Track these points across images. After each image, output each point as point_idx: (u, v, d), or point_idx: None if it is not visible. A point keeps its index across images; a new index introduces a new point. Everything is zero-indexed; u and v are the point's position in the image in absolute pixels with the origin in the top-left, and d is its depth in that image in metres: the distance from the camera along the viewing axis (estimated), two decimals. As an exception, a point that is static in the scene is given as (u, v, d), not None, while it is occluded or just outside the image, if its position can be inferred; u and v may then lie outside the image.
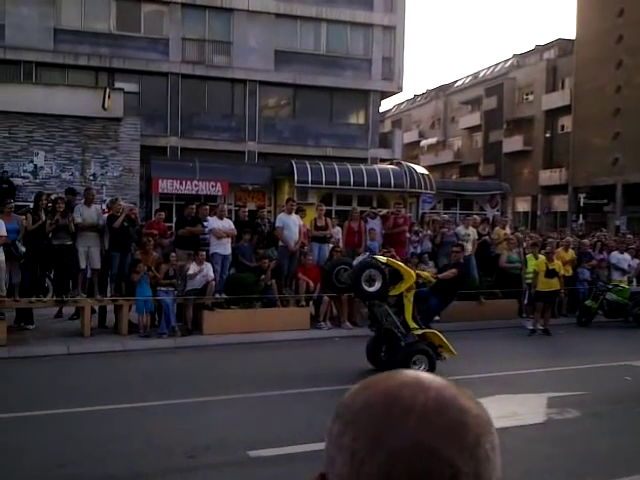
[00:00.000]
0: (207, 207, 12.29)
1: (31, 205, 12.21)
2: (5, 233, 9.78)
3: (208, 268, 10.88)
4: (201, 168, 23.50)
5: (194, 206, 11.99)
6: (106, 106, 21.04)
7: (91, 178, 21.08)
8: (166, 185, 22.83)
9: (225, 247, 11.54)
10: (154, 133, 25.28)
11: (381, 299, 8.14)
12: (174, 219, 14.64)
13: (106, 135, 21.66)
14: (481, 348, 10.30)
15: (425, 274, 8.98)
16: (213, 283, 10.82)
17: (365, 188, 24.11)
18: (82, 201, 11.19)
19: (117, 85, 24.05)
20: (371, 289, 7.98)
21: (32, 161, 20.90)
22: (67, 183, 19.90)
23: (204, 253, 10.93)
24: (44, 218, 10.46)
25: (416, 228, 13.63)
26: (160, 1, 26.50)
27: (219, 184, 23.41)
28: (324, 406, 7.04)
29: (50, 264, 10.49)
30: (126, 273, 10.82)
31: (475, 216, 15.72)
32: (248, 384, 7.86)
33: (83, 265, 10.65)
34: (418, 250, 13.10)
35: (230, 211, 15.25)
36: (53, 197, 11.90)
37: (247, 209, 14.16)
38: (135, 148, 22.13)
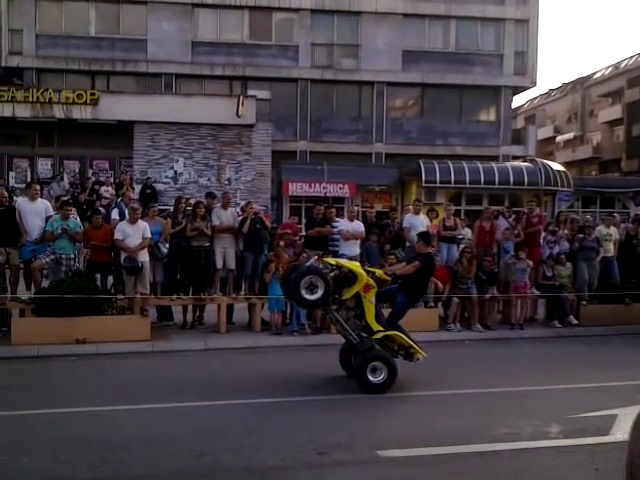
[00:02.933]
0: (334, 209, 12.46)
1: (171, 209, 12.98)
2: (150, 235, 10.45)
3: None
4: (329, 170, 23.88)
5: (322, 207, 12.18)
6: (240, 113, 21.95)
7: (226, 183, 22.08)
8: (296, 188, 23.41)
9: (352, 248, 11.62)
10: (284, 138, 26.01)
11: (324, 305, 7.61)
12: (303, 221, 14.96)
13: (240, 141, 22.59)
14: (629, 354, 9.66)
15: (378, 271, 8.02)
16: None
17: (496, 187, 23.40)
18: (219, 205, 11.70)
19: (250, 92, 25.01)
20: (312, 297, 7.30)
21: (172, 167, 22.25)
22: (204, 188, 20.99)
23: (329, 254, 11.06)
24: (183, 221, 11.07)
25: (552, 228, 13.00)
26: (290, 9, 27.23)
27: (346, 186, 23.67)
28: (452, 409, 6.92)
29: (189, 264, 11.04)
30: (259, 273, 11.20)
31: (615, 214, 14.75)
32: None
33: (220, 265, 11.14)
34: (555, 251, 12.48)
35: (357, 212, 15.32)
36: (192, 201, 12.58)
37: (375, 210, 14.19)
38: (267, 153, 22.90)
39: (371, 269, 7.96)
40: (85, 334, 9.53)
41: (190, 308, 11.37)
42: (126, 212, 11.21)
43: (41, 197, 11.46)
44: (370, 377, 7.35)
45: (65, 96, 21.66)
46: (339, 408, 6.95)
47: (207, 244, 11.11)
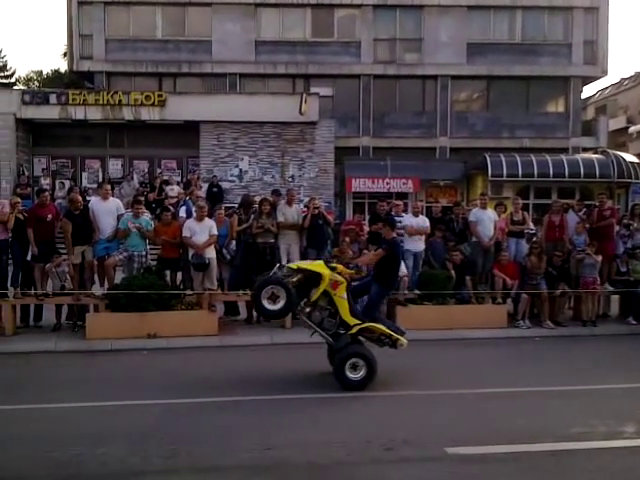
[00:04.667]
0: (400, 203, 12.37)
1: (237, 206, 13.17)
2: (216, 232, 10.64)
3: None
4: (392, 166, 23.74)
5: (385, 203, 12.11)
6: (303, 111, 22.06)
7: (290, 180, 22.25)
8: (359, 184, 23.39)
9: (417, 244, 11.52)
10: (347, 134, 25.99)
11: (288, 313, 7.50)
12: (367, 216, 14.91)
13: (303, 138, 22.71)
14: None
15: (340, 267, 7.74)
16: (405, 279, 10.84)
17: (566, 179, 22.74)
18: (284, 201, 11.80)
19: (312, 90, 25.09)
20: (275, 307, 7.23)
21: (237, 166, 22.59)
22: (269, 185, 21.21)
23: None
24: (250, 219, 11.23)
25: (626, 221, 12.50)
26: (352, 5, 27.18)
27: (410, 181, 23.48)
28: (521, 407, 6.75)
29: (255, 261, 11.16)
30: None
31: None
32: (443, 381, 7.75)
33: (284, 261, 11.22)
34: (629, 245, 12.02)
35: (422, 208, 15.15)
36: (257, 199, 12.75)
37: (440, 205, 14.02)
38: (330, 149, 22.94)
39: (333, 265, 7.72)
40: (156, 329, 9.80)
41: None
42: (193, 210, 11.47)
43: (112, 196, 11.84)
44: (349, 374, 7.30)
45: (134, 98, 22.28)
46: (406, 404, 6.90)
47: (272, 240, 11.24)
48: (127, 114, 22.32)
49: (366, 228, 11.99)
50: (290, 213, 11.47)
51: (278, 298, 7.20)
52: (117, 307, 9.96)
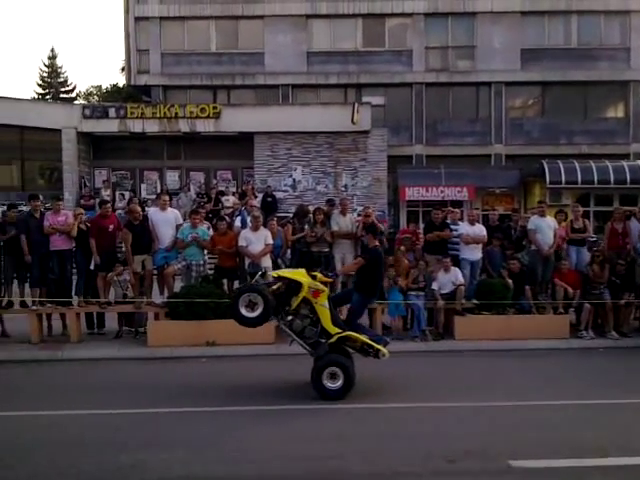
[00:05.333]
0: (457, 211, 12.24)
1: (291, 216, 13.27)
2: (271, 241, 10.75)
3: (457, 273, 10.81)
4: (446, 174, 23.53)
5: (440, 211, 11.99)
6: (355, 120, 22.10)
7: (343, 189, 22.30)
8: (412, 192, 23.24)
9: (474, 252, 11.36)
10: (399, 143, 25.90)
11: (266, 321, 7.50)
12: (421, 225, 14.80)
13: (356, 148, 22.75)
14: None
15: (319, 275, 7.61)
16: (462, 288, 10.71)
17: (628, 186, 22.06)
18: (338, 211, 11.83)
19: (364, 99, 25.13)
20: (253, 314, 7.25)
21: (291, 175, 22.77)
22: (322, 195, 21.32)
23: (448, 259, 10.87)
24: (305, 228, 11.29)
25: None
26: (403, 14, 27.15)
27: (465, 189, 23.21)
28: (587, 420, 6.55)
29: (309, 269, 11.19)
30: (378, 278, 11.19)
31: None
32: (503, 392, 7.61)
33: (339, 270, 11.24)
34: (697, 253, 11.56)
35: (478, 216, 14.94)
36: (311, 208, 12.80)
37: (497, 213, 13.79)
38: (382, 158, 22.90)
39: (314, 273, 7.65)
40: (214, 337, 9.93)
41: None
42: (248, 220, 11.61)
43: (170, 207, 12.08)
44: (327, 383, 7.23)
45: (189, 111, 22.75)
46: (469, 415, 6.79)
47: (326, 250, 11.26)
48: (183, 126, 22.80)
49: (422, 237, 11.89)
50: (344, 222, 11.48)
51: (256, 305, 7.22)
52: (176, 315, 10.14)
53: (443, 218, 11.76)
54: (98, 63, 75.71)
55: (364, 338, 7.47)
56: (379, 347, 7.47)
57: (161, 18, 27.75)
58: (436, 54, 27.39)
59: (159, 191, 21.06)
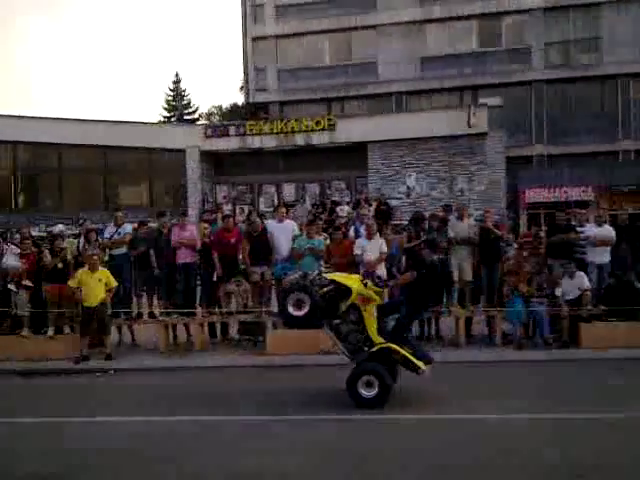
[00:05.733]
0: (585, 212, 11.62)
1: (406, 223, 13.15)
2: (386, 249, 10.72)
3: (582, 278, 10.27)
4: (569, 173, 22.44)
5: (564, 213, 11.45)
6: (471, 123, 21.59)
7: (459, 194, 21.81)
8: (533, 194, 22.37)
9: (602, 255, 10.75)
10: (518, 143, 25.01)
11: (312, 321, 7.44)
12: (543, 228, 14.18)
13: (472, 151, 22.20)
14: None
15: (370, 284, 7.45)
16: (589, 294, 10.14)
17: None
18: (455, 216, 11.60)
19: (480, 101, 24.51)
20: (299, 313, 7.22)
21: (405, 183, 22.58)
22: (437, 201, 20.98)
23: (572, 265, 10.33)
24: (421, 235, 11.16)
25: None
26: (521, 10, 26.30)
27: (590, 188, 22.01)
28: None
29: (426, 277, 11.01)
30: (496, 284, 10.86)
31: None
32: (635, 403, 7.12)
33: (456, 277, 11.02)
34: None
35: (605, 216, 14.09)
36: (426, 215, 12.64)
37: (627, 212, 12.95)
38: (500, 160, 22.20)
39: (365, 281, 7.55)
40: (327, 344, 9.99)
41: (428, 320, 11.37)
42: (361, 229, 11.65)
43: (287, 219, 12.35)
44: (362, 391, 7.17)
45: (305, 124, 23.22)
46: (594, 427, 6.41)
47: (443, 256, 11.04)
48: (299, 140, 23.30)
49: (544, 240, 11.39)
50: (462, 228, 11.22)
51: (303, 305, 7.23)
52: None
53: (567, 220, 11.23)
54: (218, 84, 79.28)
55: (404, 352, 7.34)
56: (417, 363, 7.33)
57: (277, 36, 28.64)
58: (556, 49, 26.28)
59: (276, 204, 21.63)
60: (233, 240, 11.23)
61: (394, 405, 7.29)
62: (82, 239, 11.74)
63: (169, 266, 11.22)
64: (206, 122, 40.32)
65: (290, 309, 7.34)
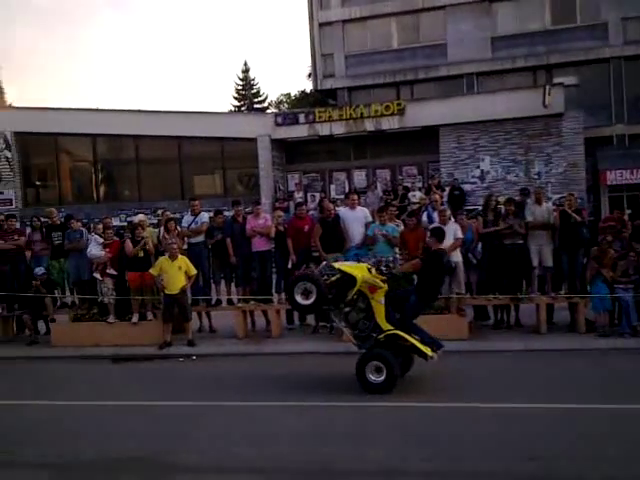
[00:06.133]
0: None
1: (480, 208, 12.92)
2: (461, 235, 10.56)
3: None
4: (654, 153, 21.44)
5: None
6: (547, 103, 20.90)
7: (535, 177, 21.20)
8: (615, 176, 21.52)
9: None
10: (597, 123, 24.04)
11: (318, 309, 7.91)
12: (627, 211, 13.65)
13: (548, 132, 21.50)
14: None
15: (374, 272, 7.73)
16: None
17: None
18: (532, 200, 11.31)
19: (556, 80, 23.70)
20: (306, 301, 7.57)
21: (479, 166, 22.12)
22: (512, 184, 20.48)
23: None
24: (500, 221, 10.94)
25: None
26: (597, -16, 25.21)
27: (678, 168, 20.98)
28: None
29: (503, 263, 10.82)
30: (579, 270, 10.54)
31: None
32: None
33: (535, 263, 10.76)
34: None
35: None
36: (501, 199, 12.37)
37: None
38: (579, 142, 21.41)
39: (370, 267, 7.85)
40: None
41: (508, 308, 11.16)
42: (434, 215, 11.52)
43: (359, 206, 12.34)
44: (371, 376, 7.41)
45: (374, 109, 23.03)
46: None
47: (520, 242, 10.81)
48: (368, 126, 23.16)
49: (629, 224, 10.96)
50: (540, 212, 10.93)
51: (310, 294, 7.52)
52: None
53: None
54: (286, 72, 79.73)
55: (412, 339, 7.53)
56: (424, 350, 7.50)
57: (343, 21, 28.50)
58: (635, 24, 25.03)
59: (347, 191, 21.63)
60: (306, 228, 11.32)
61: (474, 393, 7.22)
62: (162, 228, 12.07)
63: (245, 254, 11.43)
64: (276, 110, 40.60)
65: (298, 297, 7.66)
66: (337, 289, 7.70)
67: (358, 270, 7.71)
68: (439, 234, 8.49)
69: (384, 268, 8.15)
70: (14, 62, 62.96)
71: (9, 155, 25.61)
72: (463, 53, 26.37)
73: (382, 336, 7.56)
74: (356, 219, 11.29)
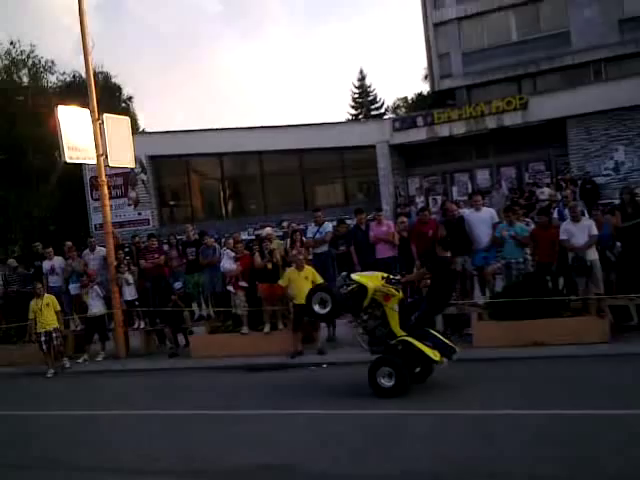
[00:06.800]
0: None
1: (616, 202, 12.16)
2: (596, 232, 9.97)
3: None
4: None
5: None
6: (686, 84, 19.35)
7: (678, 165, 19.68)
8: None
9: None
10: None
11: (334, 318, 9.10)
12: None
13: (689, 117, 19.91)
14: None
15: (384, 281, 8.07)
16: None
17: None
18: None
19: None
20: (323, 311, 8.09)
21: (612, 157, 20.86)
22: (651, 174, 19.14)
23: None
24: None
25: None
26: None
27: None
28: None
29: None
30: None
31: None
32: None
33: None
34: None
35: None
36: (639, 190, 11.60)
37: None
38: None
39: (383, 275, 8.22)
40: (540, 336, 9.57)
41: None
42: (565, 212, 10.99)
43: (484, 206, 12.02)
44: (382, 381, 7.76)
45: (495, 106, 22.39)
46: None
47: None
48: (490, 123, 22.54)
49: None
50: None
51: (327, 303, 8.03)
52: (499, 315, 10.03)
53: None
54: (402, 76, 79.35)
55: (420, 345, 7.76)
56: (432, 356, 7.73)
57: (458, 19, 28.00)
58: None
59: (470, 191, 21.16)
60: (430, 232, 11.17)
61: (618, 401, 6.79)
62: (288, 240, 12.39)
63: (369, 262, 11.46)
64: (393, 115, 40.53)
65: (316, 307, 8.16)
66: (354, 299, 8.11)
67: (370, 280, 8.12)
68: (444, 243, 8.76)
69: (393, 278, 8.34)
70: (142, 89, 67.75)
71: (144, 178, 27.39)
72: (588, 39, 25.07)
73: (394, 342, 7.92)
74: (482, 220, 11.01)
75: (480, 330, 10.22)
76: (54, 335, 12.18)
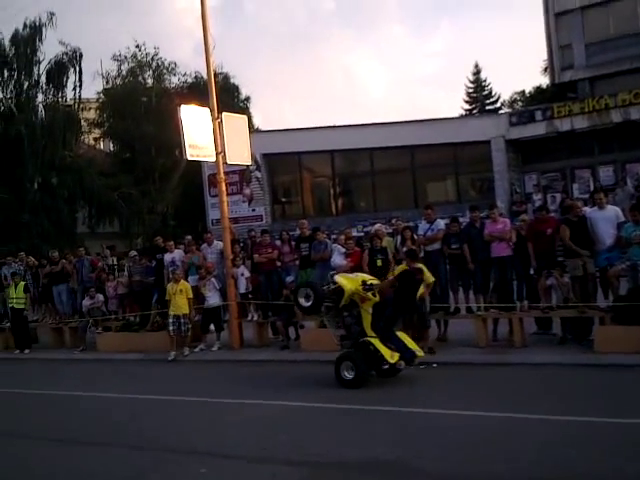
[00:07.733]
0: None
1: None
2: None
3: None
4: None
5: None
6: None
7: None
8: None
9: None
10: None
11: (316, 311, 9.70)
12: None
13: None
14: None
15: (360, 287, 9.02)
16: None
17: None
18: None
19: None
20: (307, 304, 9.26)
21: None
22: None
23: None
24: None
25: None
26: None
27: None
28: None
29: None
30: None
31: None
32: None
33: None
34: None
35: None
36: None
37: None
38: None
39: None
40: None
41: None
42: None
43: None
44: (344, 373, 8.77)
45: (621, 99, 21.16)
46: None
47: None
48: (615, 117, 21.34)
49: None
50: None
51: (310, 297, 9.15)
52: (623, 320, 9.46)
53: None
54: (519, 69, 76.58)
55: (378, 344, 8.73)
56: (385, 356, 8.65)
57: (582, 8, 26.62)
58: None
59: (592, 189, 20.11)
60: (549, 231, 10.72)
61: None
62: (398, 237, 12.28)
63: (483, 260, 11.17)
64: (509, 110, 39.21)
65: (301, 300, 9.29)
66: (335, 296, 9.15)
67: (350, 283, 9.05)
68: (413, 255, 9.95)
69: (371, 284, 9.11)
70: (256, 88, 69.65)
71: (259, 175, 28.15)
72: None
73: (361, 340, 8.92)
74: (606, 219, 10.42)
75: (602, 335, 9.68)
76: (182, 321, 12.79)
